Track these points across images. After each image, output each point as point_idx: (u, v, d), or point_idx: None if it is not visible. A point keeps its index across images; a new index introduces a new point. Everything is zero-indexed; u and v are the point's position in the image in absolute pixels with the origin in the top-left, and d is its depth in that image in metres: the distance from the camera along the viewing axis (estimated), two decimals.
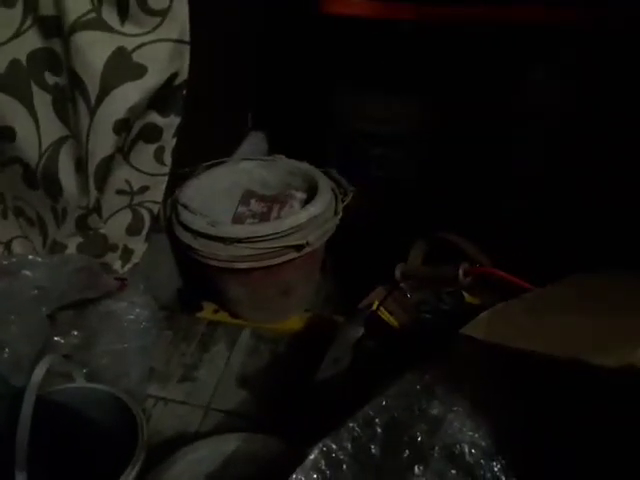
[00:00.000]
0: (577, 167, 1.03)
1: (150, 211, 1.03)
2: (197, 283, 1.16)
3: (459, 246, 0.89)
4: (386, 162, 1.30)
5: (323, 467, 0.51)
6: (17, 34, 0.80)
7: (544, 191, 1.08)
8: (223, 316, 1.16)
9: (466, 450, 0.46)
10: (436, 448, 0.47)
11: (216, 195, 1.13)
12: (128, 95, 0.83)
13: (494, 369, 0.51)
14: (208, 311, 1.17)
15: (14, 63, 0.81)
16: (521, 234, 0.99)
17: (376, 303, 0.81)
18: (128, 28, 0.81)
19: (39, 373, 0.61)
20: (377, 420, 0.51)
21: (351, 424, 0.51)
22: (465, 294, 0.80)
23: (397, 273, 0.85)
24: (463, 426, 0.47)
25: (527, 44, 1.08)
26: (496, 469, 0.45)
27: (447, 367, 0.52)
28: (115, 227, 1.03)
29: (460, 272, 0.75)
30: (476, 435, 0.47)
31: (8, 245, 1.05)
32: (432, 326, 0.82)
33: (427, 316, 0.84)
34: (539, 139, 1.11)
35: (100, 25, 0.79)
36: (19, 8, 0.78)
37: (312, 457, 0.51)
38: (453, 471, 0.46)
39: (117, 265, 1.08)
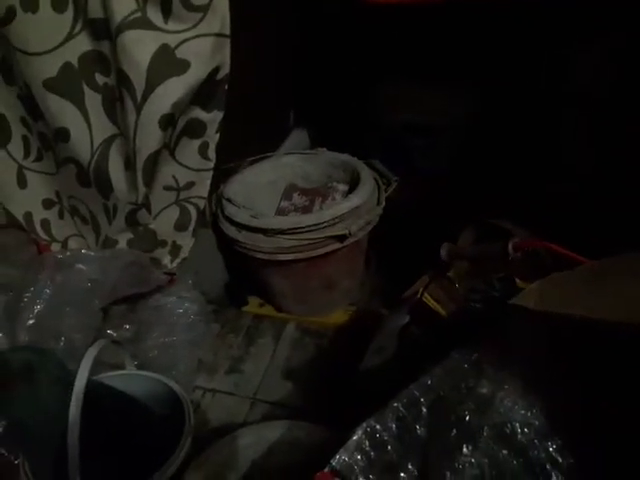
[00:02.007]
0: (626, 151, 0.97)
1: (196, 206, 1.06)
2: (243, 277, 1.17)
3: (509, 231, 0.85)
4: (429, 152, 1.28)
5: (367, 448, 0.49)
6: (69, 38, 0.84)
7: (592, 175, 1.03)
8: (268, 310, 1.17)
9: (518, 430, 0.44)
10: (485, 427, 0.44)
11: (260, 189, 1.15)
12: (172, 90, 0.85)
13: (547, 344, 0.48)
14: (253, 305, 1.18)
15: (66, 66, 0.85)
16: (568, 219, 0.94)
17: (420, 289, 0.79)
18: (171, 25, 0.83)
19: (91, 353, 0.63)
20: (422, 400, 0.49)
21: (395, 404, 0.50)
22: (517, 280, 0.76)
23: (443, 252, 0.82)
24: (515, 405, 0.45)
25: (575, 27, 1.03)
26: (551, 449, 0.42)
27: (496, 345, 0.50)
28: (164, 223, 1.06)
29: (510, 247, 0.71)
30: (529, 414, 0.44)
31: (64, 244, 1.10)
32: (482, 315, 0.78)
33: (477, 305, 0.81)
34: (587, 123, 1.06)
35: (145, 24, 0.81)
36: (70, 13, 0.82)
37: (355, 437, 0.50)
38: (504, 451, 0.43)
39: (166, 260, 1.11)
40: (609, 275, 0.48)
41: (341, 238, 0.97)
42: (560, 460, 0.42)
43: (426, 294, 0.79)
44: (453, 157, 1.27)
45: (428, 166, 1.29)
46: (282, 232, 0.96)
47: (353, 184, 1.08)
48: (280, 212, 1.12)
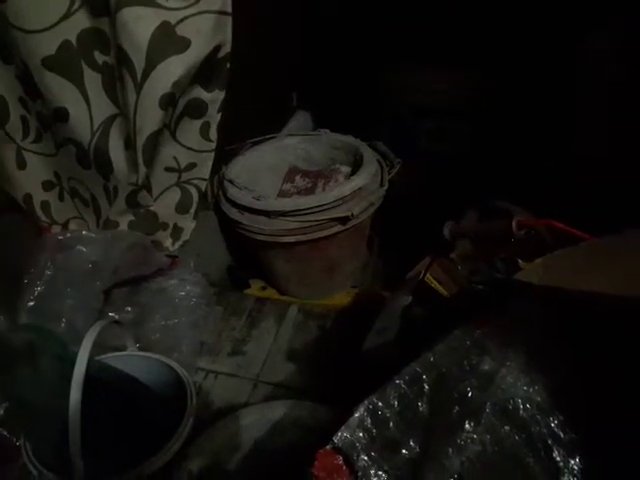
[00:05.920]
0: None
1: (198, 188, 1.05)
2: (245, 260, 1.17)
3: (512, 213, 0.84)
4: (437, 135, 1.26)
5: (369, 425, 0.49)
6: (67, 15, 0.82)
7: (604, 164, 1.01)
8: (271, 292, 1.17)
9: (520, 405, 0.43)
10: (488, 404, 0.44)
11: (262, 171, 1.14)
12: (173, 69, 0.84)
13: (549, 320, 0.47)
14: (256, 288, 1.18)
15: (65, 44, 0.84)
16: (569, 201, 0.93)
17: (423, 270, 0.78)
18: (172, 2, 0.81)
19: (93, 333, 0.63)
20: (424, 377, 0.49)
21: (397, 381, 0.50)
22: (519, 260, 0.75)
23: (446, 231, 0.81)
24: (517, 381, 0.45)
25: (588, 10, 1.01)
26: (553, 425, 0.42)
27: (499, 322, 0.49)
28: (165, 205, 1.06)
29: (514, 224, 0.70)
30: (531, 390, 0.44)
31: (65, 226, 1.10)
32: (485, 296, 0.78)
33: (479, 287, 0.80)
34: (601, 104, 1.04)
35: (145, 0, 0.80)
36: None
37: (357, 415, 0.50)
38: (506, 427, 0.43)
39: (168, 243, 1.11)
40: (613, 251, 0.47)
41: (344, 220, 0.96)
42: (562, 435, 0.41)
43: (428, 275, 0.78)
44: (459, 140, 1.25)
45: (434, 149, 1.27)
46: (284, 214, 0.95)
47: (356, 166, 1.07)
48: (282, 194, 1.11)
